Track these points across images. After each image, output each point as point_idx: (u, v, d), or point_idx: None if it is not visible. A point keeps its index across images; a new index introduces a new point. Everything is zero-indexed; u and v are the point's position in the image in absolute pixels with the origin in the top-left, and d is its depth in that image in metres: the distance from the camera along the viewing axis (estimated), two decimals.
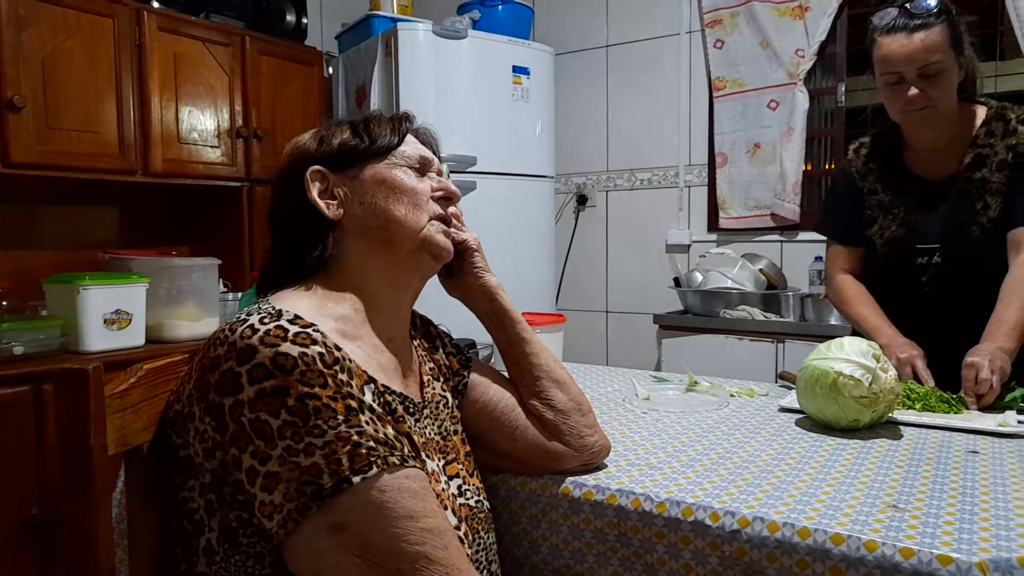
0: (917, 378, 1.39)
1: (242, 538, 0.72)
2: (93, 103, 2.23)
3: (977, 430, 1.20)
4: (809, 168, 3.11)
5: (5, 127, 2.02)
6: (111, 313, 2.04)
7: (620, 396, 1.50)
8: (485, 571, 0.90)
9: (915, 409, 1.31)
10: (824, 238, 1.78)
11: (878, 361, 1.18)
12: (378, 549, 0.68)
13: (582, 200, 3.62)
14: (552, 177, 3.23)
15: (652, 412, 1.36)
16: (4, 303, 2.17)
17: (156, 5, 2.42)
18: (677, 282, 3.09)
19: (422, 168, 0.92)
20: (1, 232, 2.37)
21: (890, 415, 1.24)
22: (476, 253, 1.01)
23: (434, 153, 0.96)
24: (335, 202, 0.88)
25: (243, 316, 0.75)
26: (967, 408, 1.31)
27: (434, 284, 1.03)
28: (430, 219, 0.90)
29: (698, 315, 2.93)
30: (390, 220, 0.88)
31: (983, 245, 1.49)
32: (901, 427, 1.23)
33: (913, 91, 1.44)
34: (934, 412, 1.30)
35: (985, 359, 1.32)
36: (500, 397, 1.02)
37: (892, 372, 1.19)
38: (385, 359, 0.87)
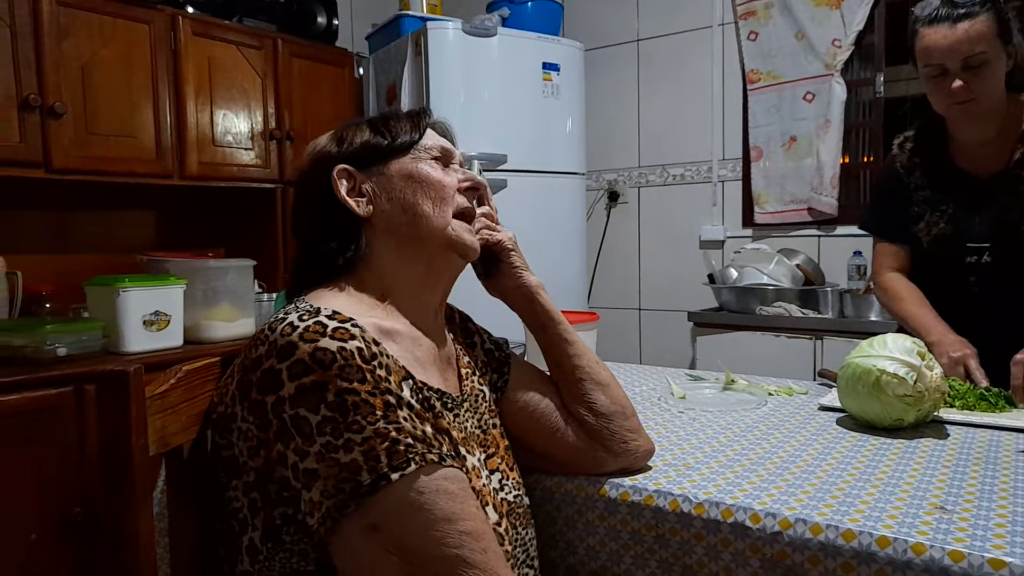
0: (970, 378, 1.35)
1: (285, 536, 0.73)
2: (130, 108, 2.27)
3: None
4: (847, 161, 3.05)
5: (47, 134, 2.07)
6: (150, 314, 2.07)
7: (655, 395, 1.48)
8: (525, 567, 0.90)
9: (955, 407, 1.28)
10: (866, 234, 1.74)
11: (923, 359, 1.15)
12: (416, 552, 0.68)
13: (614, 197, 3.60)
14: (583, 174, 3.21)
15: (688, 411, 1.34)
16: (47, 305, 2.22)
17: (190, 10, 2.46)
18: (711, 279, 3.05)
19: (445, 160, 0.92)
20: (44, 236, 2.43)
21: (935, 414, 1.21)
22: (513, 252, 1.00)
23: (453, 145, 0.96)
24: (363, 199, 0.88)
25: (282, 315, 0.75)
26: (1014, 406, 1.28)
27: (464, 283, 1.02)
28: (455, 215, 0.90)
29: (733, 312, 2.89)
30: (417, 216, 0.88)
31: None
32: (947, 426, 1.20)
33: (957, 83, 1.39)
34: (973, 411, 1.26)
35: None
36: (540, 399, 1.01)
37: (938, 370, 1.16)
38: (422, 353, 0.87)
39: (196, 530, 0.82)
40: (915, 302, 1.56)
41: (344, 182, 0.88)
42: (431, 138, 0.93)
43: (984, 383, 1.33)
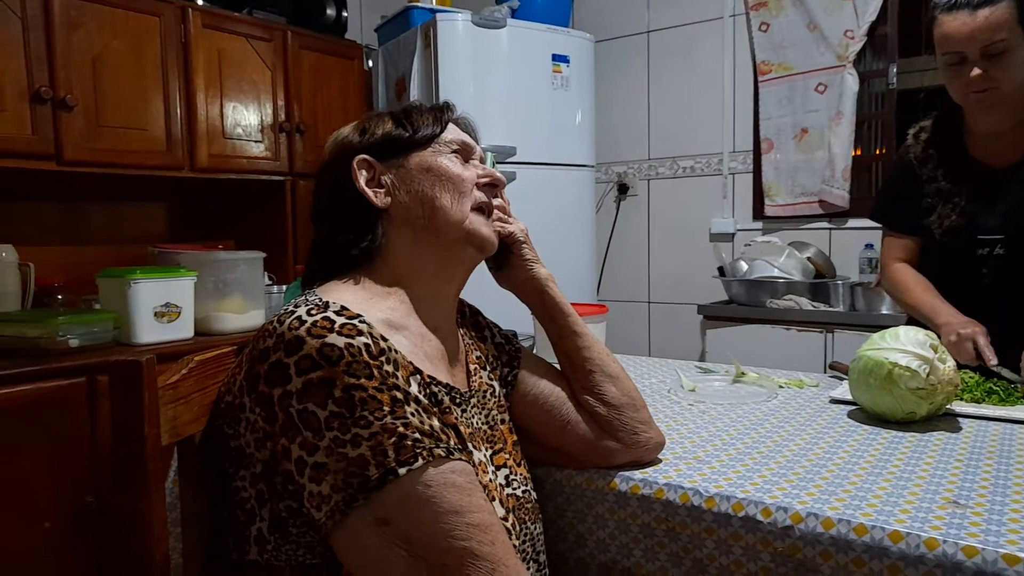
0: (979, 356, 1.33)
1: (292, 528, 0.73)
2: (140, 101, 2.28)
3: None
4: (859, 153, 3.02)
5: (58, 126, 2.08)
6: (161, 306, 2.08)
7: (665, 387, 1.48)
8: (532, 562, 0.90)
9: (963, 400, 1.27)
10: (878, 226, 1.73)
11: (936, 351, 1.14)
12: (424, 544, 0.68)
13: (623, 189, 3.58)
14: (593, 166, 3.19)
15: (699, 404, 1.34)
16: (59, 297, 2.24)
17: (200, 3, 2.46)
18: (722, 271, 3.04)
19: (465, 155, 0.93)
20: (55, 228, 2.44)
21: (947, 407, 1.20)
22: (524, 245, 1.00)
23: (475, 141, 0.96)
24: (382, 190, 0.88)
25: (291, 308, 0.75)
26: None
27: (474, 277, 1.02)
28: (473, 208, 0.90)
29: (743, 305, 2.88)
30: (435, 208, 0.88)
31: None
32: (959, 419, 1.19)
33: (975, 71, 1.38)
34: (982, 404, 1.25)
35: None
36: (550, 391, 1.01)
37: (950, 362, 1.15)
38: (431, 348, 0.87)
39: (207, 519, 0.82)
40: (922, 289, 1.55)
41: (363, 172, 0.88)
42: (452, 132, 0.93)
43: (994, 360, 1.32)
